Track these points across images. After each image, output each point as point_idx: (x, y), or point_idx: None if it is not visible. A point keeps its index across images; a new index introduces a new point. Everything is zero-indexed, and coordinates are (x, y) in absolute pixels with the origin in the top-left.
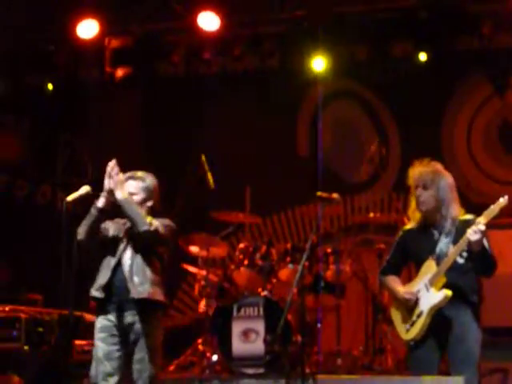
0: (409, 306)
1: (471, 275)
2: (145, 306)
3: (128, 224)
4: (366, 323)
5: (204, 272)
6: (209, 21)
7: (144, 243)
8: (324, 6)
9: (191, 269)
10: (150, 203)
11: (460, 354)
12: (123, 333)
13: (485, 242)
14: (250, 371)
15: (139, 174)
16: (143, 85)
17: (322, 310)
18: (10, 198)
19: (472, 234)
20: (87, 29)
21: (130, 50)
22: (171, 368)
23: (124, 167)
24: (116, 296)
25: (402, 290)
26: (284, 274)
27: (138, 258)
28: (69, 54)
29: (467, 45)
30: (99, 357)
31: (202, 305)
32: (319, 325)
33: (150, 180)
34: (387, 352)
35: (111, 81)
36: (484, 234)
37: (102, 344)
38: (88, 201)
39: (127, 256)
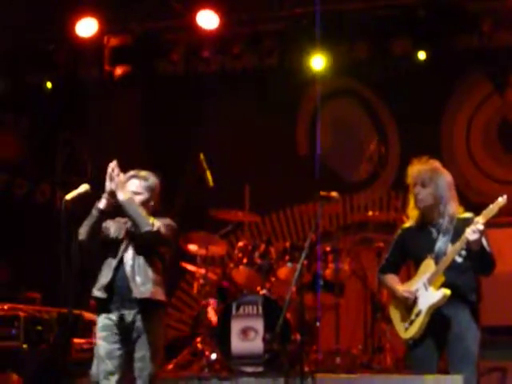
0: (408, 305)
1: (470, 274)
2: (146, 306)
3: (129, 223)
4: (365, 322)
5: (203, 270)
6: (208, 19)
7: (146, 244)
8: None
9: (190, 267)
10: (152, 202)
11: (459, 353)
12: (125, 331)
13: (483, 241)
14: (249, 370)
15: (142, 173)
16: (142, 83)
17: (320, 308)
18: (10, 196)
19: (471, 234)
20: (86, 27)
21: (129, 49)
22: (170, 367)
23: (123, 166)
24: (118, 295)
25: (400, 288)
26: (283, 272)
27: (140, 258)
28: (68, 53)
29: (467, 43)
30: (101, 355)
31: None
32: (318, 323)
33: (152, 179)
34: (386, 351)
35: (110, 79)
36: (483, 233)
37: (104, 342)
38: (87, 199)
39: (129, 256)
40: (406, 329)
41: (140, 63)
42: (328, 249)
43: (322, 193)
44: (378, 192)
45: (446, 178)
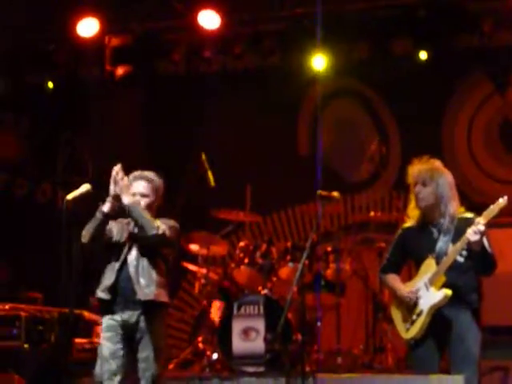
0: (409, 305)
1: (471, 274)
2: (150, 307)
3: (131, 225)
4: (367, 322)
5: (204, 270)
6: (209, 19)
7: (151, 246)
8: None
9: (191, 267)
10: (156, 204)
11: (460, 353)
12: (128, 332)
13: (485, 241)
14: (250, 370)
15: (148, 174)
16: (143, 83)
17: (322, 308)
18: (10, 196)
19: (472, 235)
20: (87, 27)
21: (130, 49)
22: (171, 366)
23: (124, 165)
24: (121, 297)
25: (402, 288)
26: (284, 272)
27: (144, 260)
28: (69, 53)
29: (467, 43)
30: (105, 355)
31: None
32: (319, 323)
33: (158, 180)
34: (387, 350)
35: (111, 79)
36: (483, 234)
37: (108, 343)
38: (88, 199)
39: (132, 257)
40: (408, 329)
41: (141, 63)
42: (329, 249)
43: (323, 193)
44: (380, 192)
45: (446, 177)
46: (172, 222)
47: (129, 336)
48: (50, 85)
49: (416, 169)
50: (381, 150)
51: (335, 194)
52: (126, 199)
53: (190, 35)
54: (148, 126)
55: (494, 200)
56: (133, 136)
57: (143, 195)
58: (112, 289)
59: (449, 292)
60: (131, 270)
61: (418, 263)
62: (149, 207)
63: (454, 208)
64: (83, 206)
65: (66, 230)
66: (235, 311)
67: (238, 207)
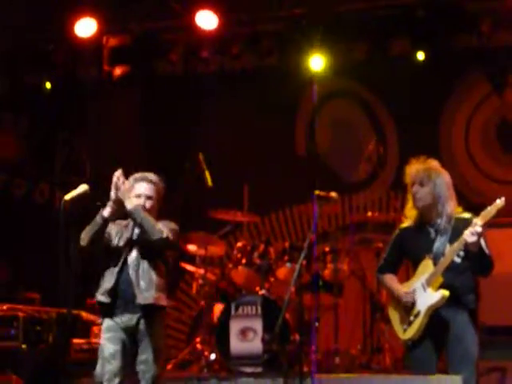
0: (406, 306)
1: (468, 275)
2: (150, 311)
3: (130, 226)
4: (364, 322)
5: (202, 271)
6: (207, 19)
7: (154, 249)
8: (322, 4)
9: (189, 267)
10: (158, 206)
11: (458, 354)
12: (128, 334)
13: (482, 241)
14: (248, 370)
15: (150, 176)
16: (141, 83)
17: (319, 308)
18: (8, 196)
19: (469, 236)
20: (85, 27)
21: (128, 49)
22: (169, 367)
23: (122, 166)
24: (121, 299)
25: (399, 289)
26: (282, 272)
27: (145, 262)
28: (67, 53)
29: (466, 43)
30: (105, 356)
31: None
32: (317, 324)
33: (160, 182)
34: (385, 351)
35: (109, 79)
36: (481, 235)
37: (109, 343)
38: (86, 199)
39: (132, 259)
40: (405, 330)
41: (139, 63)
42: (327, 249)
43: (321, 193)
44: (377, 192)
45: (444, 177)
46: (173, 225)
47: (129, 338)
48: (48, 85)
49: (413, 169)
50: (378, 150)
51: (333, 194)
52: (129, 205)
53: (187, 35)
54: (146, 126)
55: (491, 200)
56: (131, 136)
57: (147, 197)
58: (112, 292)
59: (446, 293)
60: (131, 272)
61: (416, 263)
62: (152, 209)
63: (452, 208)
64: (81, 207)
65: (64, 230)
66: (233, 311)
67: (235, 207)
